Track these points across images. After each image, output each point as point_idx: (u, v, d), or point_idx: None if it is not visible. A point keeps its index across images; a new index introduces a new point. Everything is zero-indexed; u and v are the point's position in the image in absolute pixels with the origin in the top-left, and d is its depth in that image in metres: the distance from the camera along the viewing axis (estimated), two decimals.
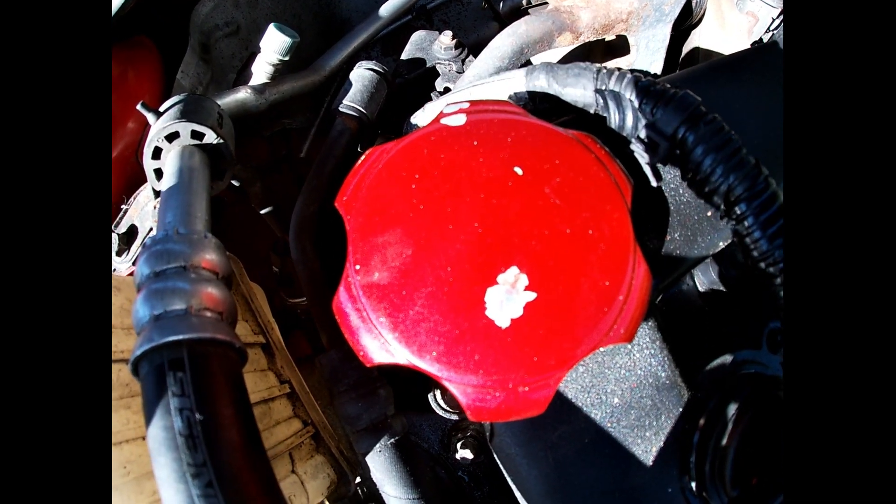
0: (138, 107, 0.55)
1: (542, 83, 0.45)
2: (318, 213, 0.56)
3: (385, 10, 0.93)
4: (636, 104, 0.41)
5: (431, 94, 0.70)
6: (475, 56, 0.72)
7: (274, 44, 0.65)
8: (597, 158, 0.35)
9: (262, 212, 0.73)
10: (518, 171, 0.34)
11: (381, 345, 0.33)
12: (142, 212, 0.67)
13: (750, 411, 0.47)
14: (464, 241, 0.34)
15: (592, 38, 0.69)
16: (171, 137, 0.52)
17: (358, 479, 0.73)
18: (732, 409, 0.47)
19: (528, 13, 1.25)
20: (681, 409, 0.45)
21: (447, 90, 0.69)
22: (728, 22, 1.31)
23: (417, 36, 0.78)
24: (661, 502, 0.45)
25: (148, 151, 0.54)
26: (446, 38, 0.71)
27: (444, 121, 0.37)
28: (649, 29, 0.76)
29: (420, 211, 0.35)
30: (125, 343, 0.48)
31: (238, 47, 1.02)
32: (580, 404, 0.40)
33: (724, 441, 0.47)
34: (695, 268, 0.59)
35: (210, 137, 0.52)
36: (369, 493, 0.74)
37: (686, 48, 1.37)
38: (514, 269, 0.32)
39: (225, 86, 0.98)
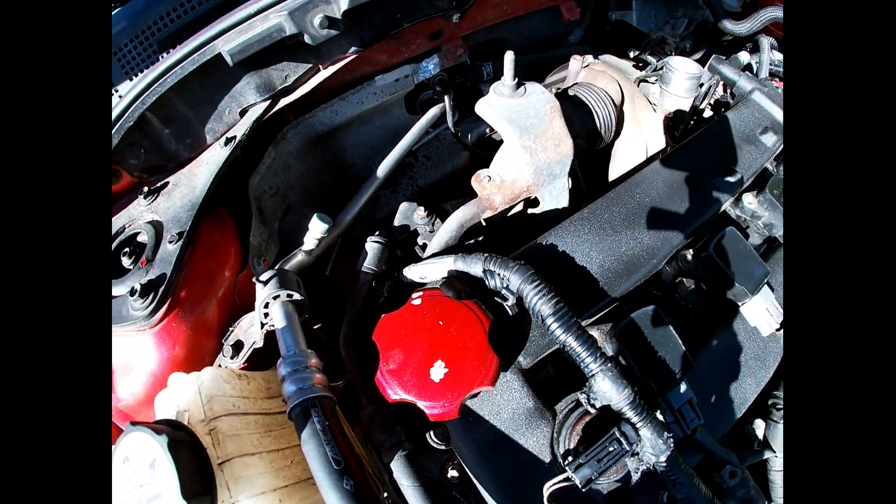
0: (254, 279, 1.23)
1: (460, 265, 1.12)
2: (353, 335, 1.24)
3: (381, 171, 1.63)
4: (500, 275, 1.08)
5: (415, 248, 1.40)
6: (442, 220, 1.42)
7: (317, 228, 1.32)
8: (472, 311, 1.01)
9: (315, 327, 1.40)
10: (440, 322, 1.01)
11: (394, 391, 0.98)
12: (245, 332, 1.33)
13: (585, 420, 1.11)
14: (421, 351, 0.99)
15: (505, 208, 1.38)
16: (276, 297, 1.20)
17: (386, 494, 1.35)
18: (577, 418, 1.11)
19: (492, 139, 1.95)
20: (544, 421, 1.09)
21: (425, 245, 1.38)
22: (645, 126, 2.00)
23: (403, 208, 1.48)
24: (542, 472, 1.09)
25: (260, 304, 1.21)
26: (421, 210, 1.41)
27: (413, 301, 1.04)
28: (548, 186, 1.44)
29: (405, 341, 1.00)
30: (264, 404, 1.15)
31: (279, 203, 1.69)
32: (487, 417, 1.05)
33: (573, 436, 1.11)
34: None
35: (296, 296, 1.20)
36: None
37: (613, 158, 2.06)
38: (440, 361, 0.98)
39: (272, 235, 1.65)
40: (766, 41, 2.19)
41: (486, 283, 1.09)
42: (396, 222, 1.47)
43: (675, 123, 2.04)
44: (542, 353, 1.11)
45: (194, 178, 1.51)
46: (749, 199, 1.60)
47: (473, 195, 1.72)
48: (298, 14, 1.34)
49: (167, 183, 1.54)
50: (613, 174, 1.98)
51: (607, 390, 1.02)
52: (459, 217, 1.31)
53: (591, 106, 1.78)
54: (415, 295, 1.06)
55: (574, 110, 1.74)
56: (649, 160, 1.92)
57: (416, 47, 1.76)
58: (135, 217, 1.49)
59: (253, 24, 1.37)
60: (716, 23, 2.17)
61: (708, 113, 2.12)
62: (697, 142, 1.57)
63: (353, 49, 1.49)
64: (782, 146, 1.71)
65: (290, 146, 1.72)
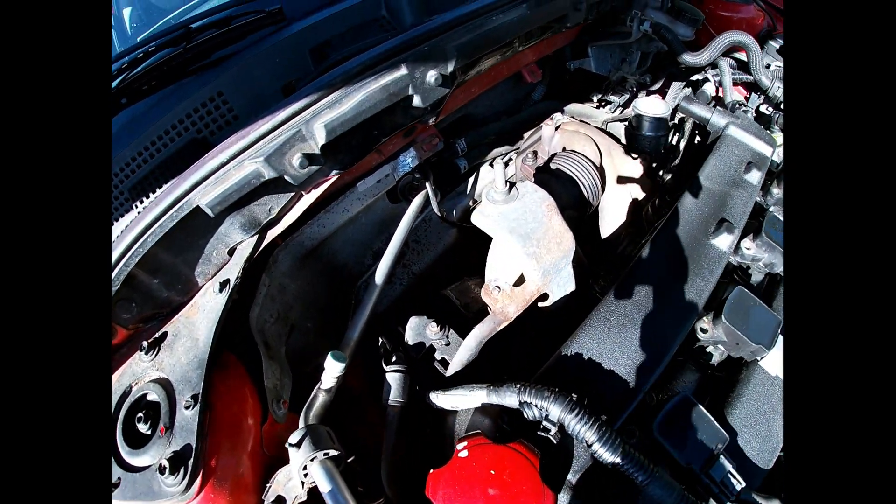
0: (286, 445, 1.28)
1: (493, 398, 1.18)
2: (394, 471, 1.29)
3: (379, 278, 1.68)
4: (539, 406, 1.14)
5: (435, 364, 1.46)
6: (456, 331, 1.48)
7: (334, 368, 1.37)
8: (520, 453, 1.08)
9: (349, 460, 1.45)
10: (492, 472, 1.07)
11: None
12: (284, 487, 1.37)
13: None
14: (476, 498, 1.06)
15: (519, 313, 1.45)
16: (313, 459, 1.25)
17: None
18: None
19: None
20: None
21: (443, 360, 1.45)
22: (623, 174, 2.10)
23: (413, 323, 1.53)
24: None
25: (298, 467, 1.26)
26: (433, 325, 1.47)
27: (459, 454, 1.11)
28: (555, 279, 1.52)
29: (461, 497, 1.05)
30: None
31: (281, 328, 1.70)
32: None
33: None
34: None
35: (333, 452, 1.25)
36: None
37: (602, 214, 2.15)
38: None
39: (283, 367, 1.67)
40: (725, 63, 2.32)
41: (524, 414, 1.15)
42: (410, 340, 1.52)
43: (655, 162, 2.15)
44: (588, 464, 1.18)
45: (194, 329, 1.52)
46: (747, 245, 1.70)
47: (468, 272, 1.80)
48: (275, 158, 1.36)
49: (165, 333, 1.55)
50: (605, 231, 2.07)
51: (659, 496, 1.09)
52: (477, 335, 1.37)
53: (574, 177, 1.87)
54: (459, 446, 1.12)
55: (559, 184, 1.83)
56: (641, 212, 2.01)
57: (393, 147, 1.83)
58: (139, 374, 1.50)
59: (228, 172, 1.37)
60: (675, 56, 2.28)
61: (683, 143, 2.23)
62: (687, 202, 1.66)
63: (334, 172, 1.54)
64: (765, 177, 1.83)
65: (283, 267, 1.76)
